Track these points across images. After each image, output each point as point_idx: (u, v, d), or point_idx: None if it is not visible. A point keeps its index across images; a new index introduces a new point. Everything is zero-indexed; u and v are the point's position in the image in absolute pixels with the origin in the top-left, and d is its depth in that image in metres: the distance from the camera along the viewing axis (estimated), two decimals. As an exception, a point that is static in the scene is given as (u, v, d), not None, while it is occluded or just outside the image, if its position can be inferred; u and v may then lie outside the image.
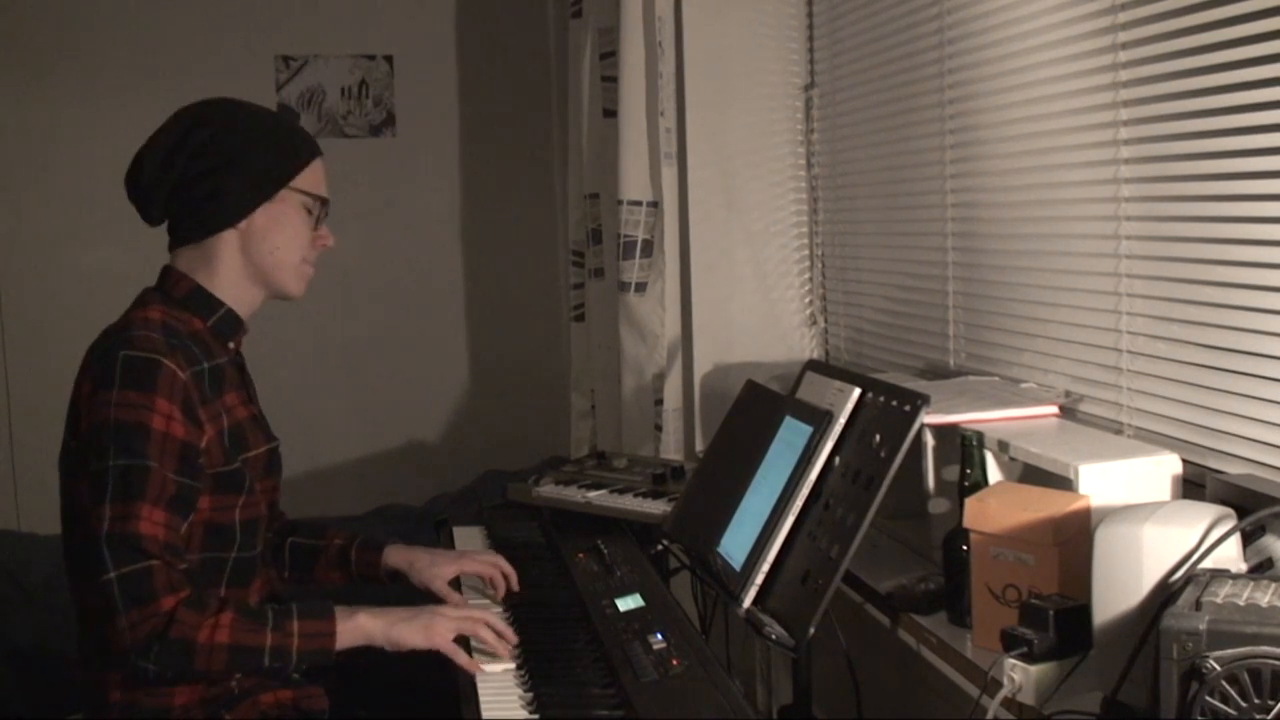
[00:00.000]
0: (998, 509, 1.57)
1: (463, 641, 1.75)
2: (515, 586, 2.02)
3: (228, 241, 1.81)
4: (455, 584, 2.04)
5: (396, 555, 2.04)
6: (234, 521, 1.77)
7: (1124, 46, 1.79)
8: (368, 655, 1.76)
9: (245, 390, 1.88)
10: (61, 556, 1.79)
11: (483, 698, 1.63)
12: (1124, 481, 1.57)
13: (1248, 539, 1.36)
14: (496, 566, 2.03)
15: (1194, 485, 1.61)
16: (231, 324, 1.83)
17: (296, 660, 1.66)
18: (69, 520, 1.76)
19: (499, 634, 1.76)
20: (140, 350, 1.67)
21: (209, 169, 1.77)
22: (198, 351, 1.76)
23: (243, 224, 1.80)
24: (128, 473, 1.62)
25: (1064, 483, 1.60)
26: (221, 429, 1.75)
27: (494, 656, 1.74)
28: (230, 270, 1.82)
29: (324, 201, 1.87)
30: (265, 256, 1.82)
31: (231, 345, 1.85)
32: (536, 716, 1.58)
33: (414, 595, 2.00)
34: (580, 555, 2.13)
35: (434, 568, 2.02)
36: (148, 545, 1.61)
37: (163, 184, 1.78)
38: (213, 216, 1.79)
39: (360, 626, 1.70)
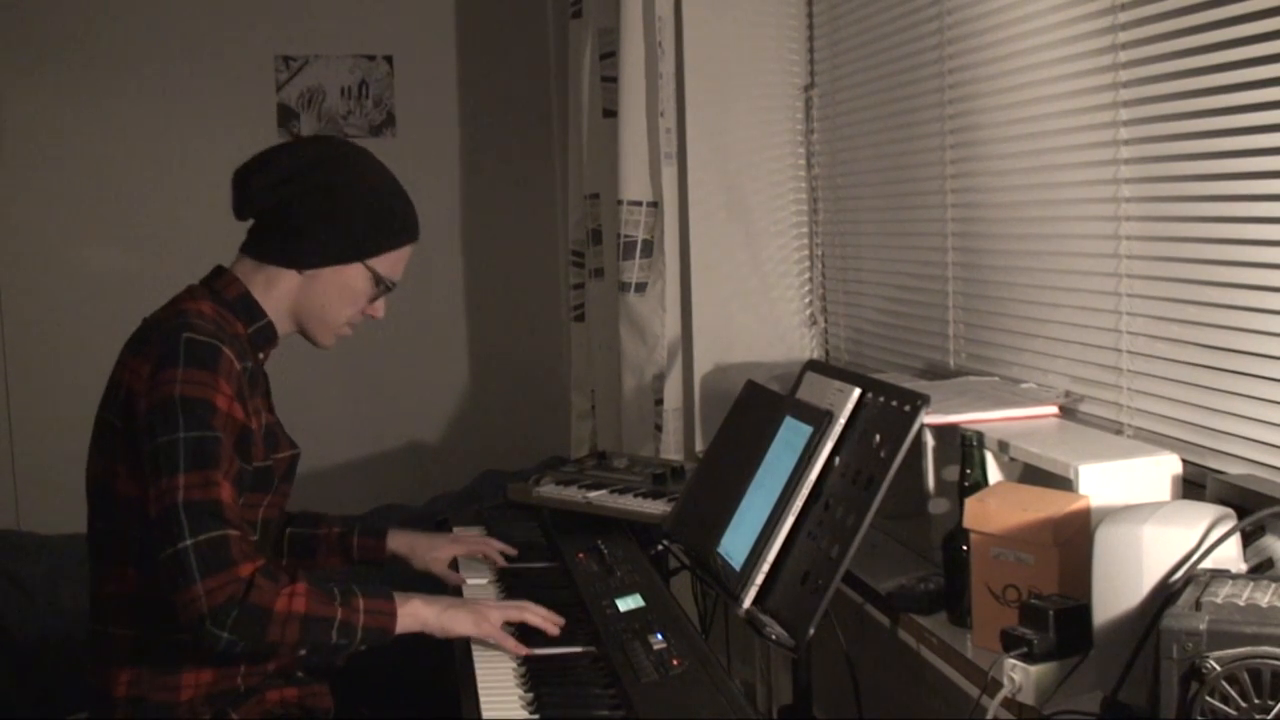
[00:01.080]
0: (998, 509, 1.58)
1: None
2: (512, 551, 2.20)
3: (289, 278, 1.84)
4: (453, 565, 2.15)
5: (398, 540, 2.15)
6: (257, 519, 1.80)
7: (1124, 46, 1.79)
8: (371, 655, 1.77)
9: (269, 399, 1.91)
10: (62, 556, 1.79)
11: (483, 698, 1.63)
12: (1124, 481, 1.57)
13: (1248, 539, 1.36)
14: (489, 544, 2.20)
15: (1194, 485, 1.61)
16: (268, 335, 1.86)
17: (360, 637, 1.69)
18: (103, 504, 1.76)
19: (544, 618, 1.82)
20: (202, 335, 1.70)
21: (305, 211, 1.81)
22: (241, 350, 1.78)
23: (309, 272, 1.84)
24: (201, 444, 1.64)
25: (1064, 483, 1.60)
26: (262, 424, 1.79)
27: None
28: (280, 300, 1.85)
29: (392, 284, 1.91)
30: (314, 309, 1.86)
31: (261, 355, 1.87)
32: (536, 717, 1.58)
33: (414, 577, 2.12)
34: (580, 555, 2.13)
35: (433, 550, 2.15)
36: (227, 513, 1.63)
37: (262, 199, 1.81)
38: (287, 252, 1.83)
39: (416, 613, 1.75)
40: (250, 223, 1.87)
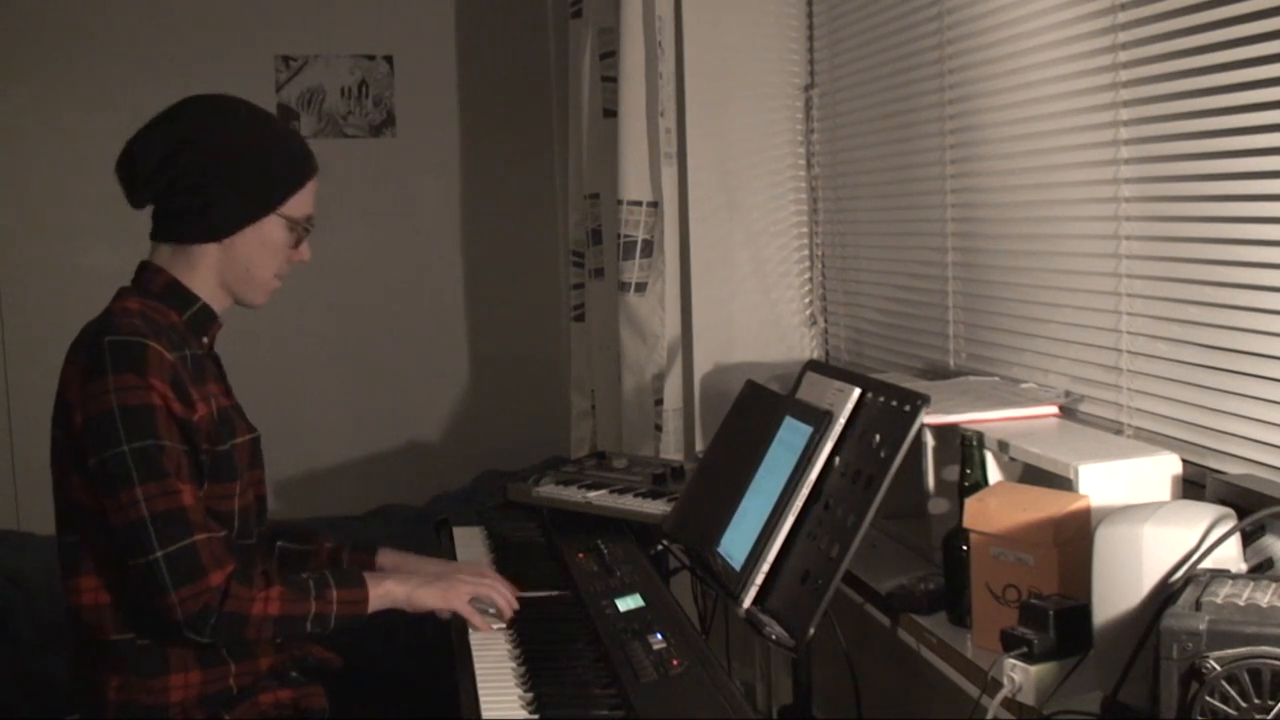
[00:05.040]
0: (998, 509, 1.58)
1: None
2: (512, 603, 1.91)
3: (208, 252, 1.81)
4: None
5: (388, 559, 2.09)
6: (233, 509, 1.79)
7: (1124, 46, 1.79)
8: (369, 655, 1.78)
9: (223, 383, 1.89)
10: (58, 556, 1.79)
11: (483, 698, 1.63)
12: (1124, 481, 1.57)
13: (1248, 539, 1.36)
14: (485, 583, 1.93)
15: (1194, 485, 1.61)
16: (206, 318, 1.84)
17: (334, 625, 1.76)
18: (66, 516, 1.76)
19: (507, 602, 1.88)
20: (125, 334, 1.68)
21: (201, 184, 1.77)
22: (177, 340, 1.77)
23: (227, 240, 1.81)
24: (145, 453, 1.65)
25: (1064, 483, 1.60)
26: (211, 410, 1.76)
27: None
28: (206, 275, 1.83)
29: (309, 222, 1.88)
30: (240, 273, 1.83)
31: (206, 340, 1.85)
32: (536, 717, 1.58)
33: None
34: (580, 555, 2.13)
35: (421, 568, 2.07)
36: (192, 517, 1.66)
37: (154, 183, 1.78)
38: (198, 229, 1.80)
39: (388, 592, 1.81)
40: (150, 210, 1.83)
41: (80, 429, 1.67)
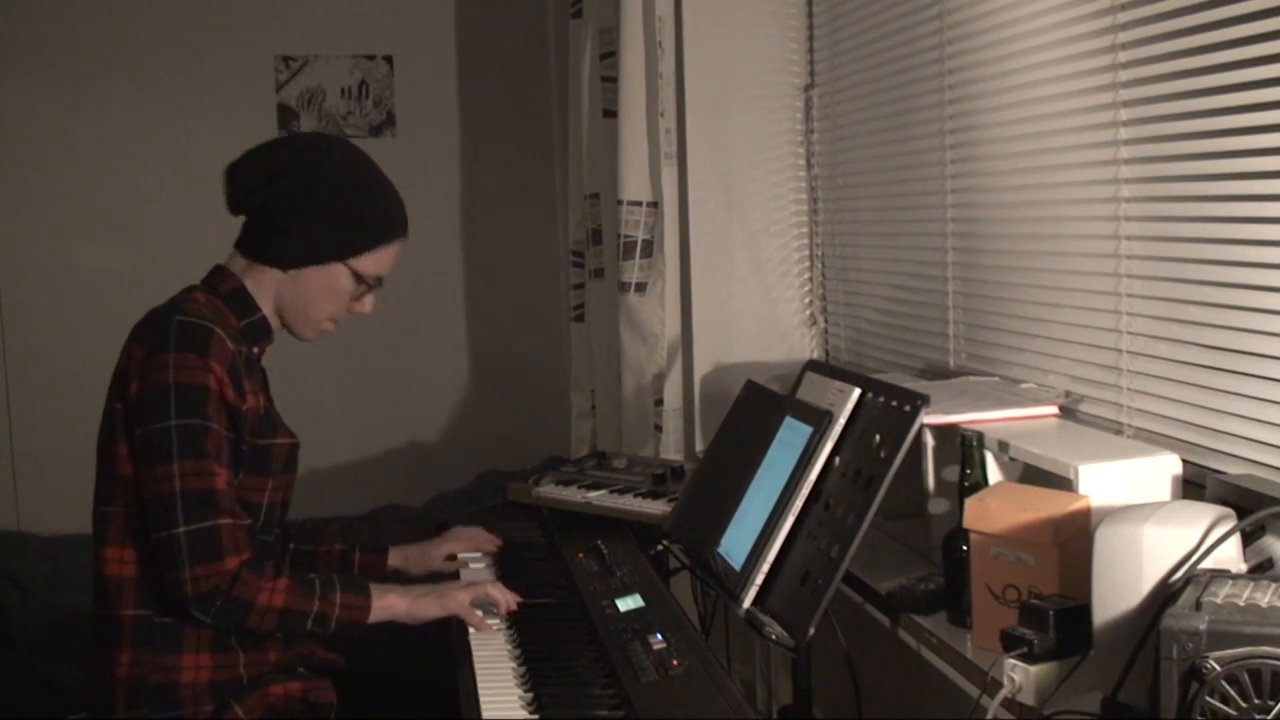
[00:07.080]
0: (998, 509, 1.58)
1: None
2: (496, 545, 2.25)
3: (274, 275, 1.87)
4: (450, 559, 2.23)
5: (395, 556, 2.18)
6: (262, 503, 1.83)
7: (1124, 47, 1.79)
8: (371, 655, 1.79)
9: (267, 391, 1.93)
10: (62, 556, 1.80)
11: (483, 698, 1.63)
12: (1124, 481, 1.57)
13: (1248, 539, 1.36)
14: (478, 540, 2.25)
15: (1194, 485, 1.61)
16: (261, 329, 1.89)
17: (334, 628, 1.78)
18: (107, 487, 1.78)
19: (505, 597, 1.91)
20: (193, 317, 1.75)
21: (286, 210, 1.82)
22: (235, 335, 1.81)
23: (291, 272, 1.86)
24: (190, 431, 1.69)
25: (1064, 483, 1.60)
26: (259, 404, 1.81)
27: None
28: (267, 295, 1.88)
29: (378, 281, 1.92)
30: (297, 306, 1.88)
31: (257, 350, 1.89)
32: (536, 717, 1.58)
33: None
34: (580, 555, 2.14)
35: (428, 552, 2.20)
36: (222, 501, 1.70)
37: (250, 197, 1.84)
38: (270, 251, 1.85)
39: (390, 605, 1.83)
40: (243, 218, 1.89)
41: (134, 398, 1.72)
